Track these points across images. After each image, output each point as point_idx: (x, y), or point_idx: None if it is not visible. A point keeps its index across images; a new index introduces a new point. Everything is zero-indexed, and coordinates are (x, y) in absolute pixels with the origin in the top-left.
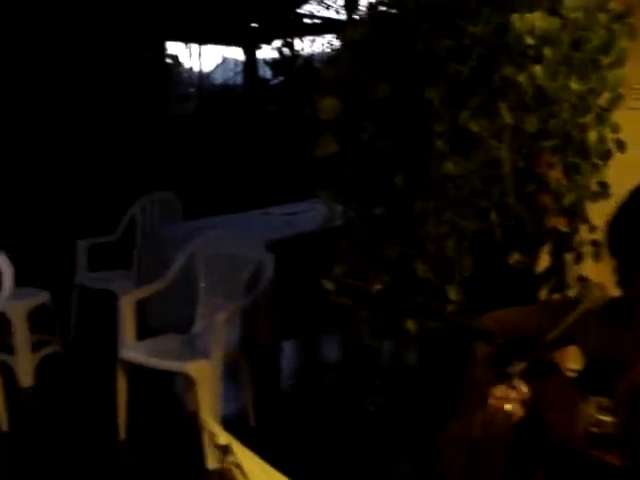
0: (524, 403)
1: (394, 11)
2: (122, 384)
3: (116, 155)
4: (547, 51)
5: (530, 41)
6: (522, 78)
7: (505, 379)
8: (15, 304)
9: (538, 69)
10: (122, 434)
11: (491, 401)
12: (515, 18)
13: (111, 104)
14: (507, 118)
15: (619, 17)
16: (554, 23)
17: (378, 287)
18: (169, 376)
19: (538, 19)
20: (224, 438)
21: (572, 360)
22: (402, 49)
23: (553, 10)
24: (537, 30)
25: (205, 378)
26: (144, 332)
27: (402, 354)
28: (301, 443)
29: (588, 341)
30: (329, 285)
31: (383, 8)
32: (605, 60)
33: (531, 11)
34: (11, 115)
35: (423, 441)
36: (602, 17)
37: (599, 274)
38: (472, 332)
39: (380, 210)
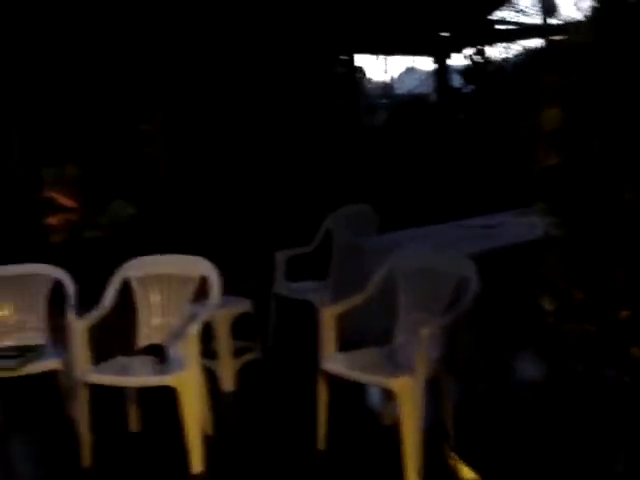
0: None
1: (622, 11)
2: (323, 395)
3: (313, 169)
4: None
5: None
6: None
7: None
8: (220, 312)
9: None
10: (321, 444)
11: None
12: None
13: (307, 119)
14: None
15: None
16: None
17: (626, 313)
18: (363, 386)
19: None
20: (470, 474)
21: None
22: (634, 53)
23: None
24: None
25: (408, 393)
26: (340, 342)
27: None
28: (499, 459)
29: None
30: (549, 305)
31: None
32: None
33: None
34: (213, 131)
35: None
36: None
37: None
38: None
39: (602, 225)
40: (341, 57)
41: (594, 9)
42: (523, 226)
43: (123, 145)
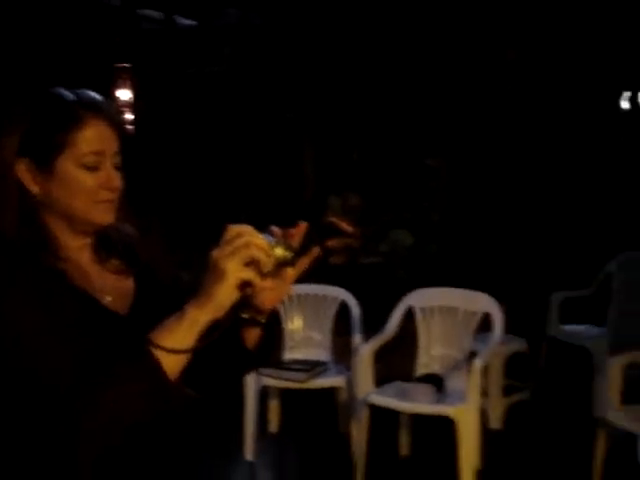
0: None
1: None
2: (601, 445)
3: (595, 209)
4: None
5: None
6: None
7: None
8: (496, 349)
9: None
10: None
11: None
12: None
13: (589, 157)
14: None
15: None
16: None
17: None
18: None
19: None
20: None
21: None
22: None
23: None
24: None
25: None
26: None
27: None
28: None
29: None
30: None
31: None
32: None
33: None
34: (495, 168)
35: None
36: None
37: None
38: None
39: None
40: (625, 93)
41: None
42: None
43: (408, 178)
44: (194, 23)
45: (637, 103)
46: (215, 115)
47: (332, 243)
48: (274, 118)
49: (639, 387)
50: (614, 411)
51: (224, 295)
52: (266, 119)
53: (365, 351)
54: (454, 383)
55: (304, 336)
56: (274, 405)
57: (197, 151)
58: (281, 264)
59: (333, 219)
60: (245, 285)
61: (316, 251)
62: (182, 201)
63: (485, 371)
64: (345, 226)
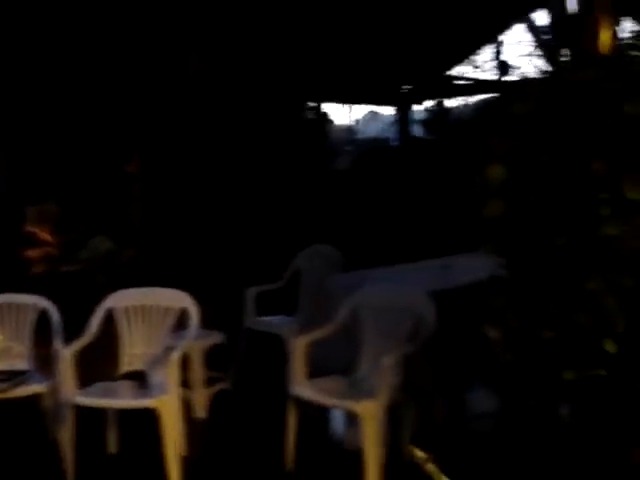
0: None
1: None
2: (291, 419)
3: (282, 210)
4: None
5: None
6: None
7: None
8: (195, 343)
9: None
10: (289, 465)
11: None
12: None
13: (277, 162)
14: None
15: None
16: None
17: (550, 335)
18: (328, 414)
19: None
20: None
21: None
22: (566, 124)
23: None
24: None
25: (371, 417)
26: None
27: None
28: None
29: None
30: (493, 333)
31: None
32: None
33: None
34: (188, 173)
35: None
36: None
37: None
38: None
39: (538, 265)
40: (309, 104)
41: (537, 84)
42: (475, 267)
43: (109, 185)
44: None
45: (321, 113)
46: None
47: (31, 253)
48: None
49: (325, 363)
50: (300, 385)
51: None
52: None
53: (66, 354)
54: (156, 378)
55: (3, 347)
56: None
57: None
58: None
59: (32, 229)
60: None
61: None
62: None
63: (186, 364)
64: (44, 235)
